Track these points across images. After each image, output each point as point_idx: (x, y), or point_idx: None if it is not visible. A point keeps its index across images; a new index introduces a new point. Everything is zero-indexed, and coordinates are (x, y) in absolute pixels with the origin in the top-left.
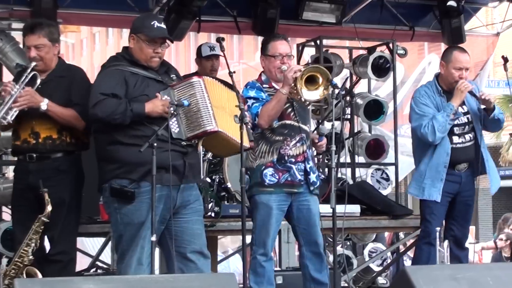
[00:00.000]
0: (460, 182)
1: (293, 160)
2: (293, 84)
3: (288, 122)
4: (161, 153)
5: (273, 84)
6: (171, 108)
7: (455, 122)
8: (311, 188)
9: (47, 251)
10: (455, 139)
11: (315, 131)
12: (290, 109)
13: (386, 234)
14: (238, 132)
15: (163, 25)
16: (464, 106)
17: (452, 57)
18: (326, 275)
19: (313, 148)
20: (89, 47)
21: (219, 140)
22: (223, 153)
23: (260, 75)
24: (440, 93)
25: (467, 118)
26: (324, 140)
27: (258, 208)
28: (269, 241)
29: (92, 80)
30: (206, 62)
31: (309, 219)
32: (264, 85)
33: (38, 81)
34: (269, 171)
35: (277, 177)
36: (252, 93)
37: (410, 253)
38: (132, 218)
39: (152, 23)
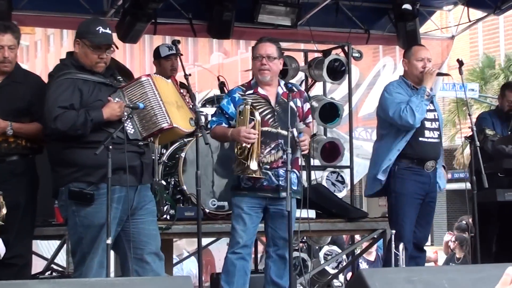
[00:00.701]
0: (429, 182)
1: (268, 166)
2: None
3: (265, 129)
4: (119, 154)
5: (258, 89)
6: (126, 111)
7: (426, 116)
8: (287, 192)
9: (1, 256)
10: (427, 133)
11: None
12: (269, 116)
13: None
14: (187, 121)
15: (108, 31)
16: (431, 104)
17: (412, 51)
18: (286, 281)
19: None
20: (44, 49)
21: (171, 134)
22: (168, 141)
23: (252, 78)
24: (410, 87)
25: (434, 115)
26: (305, 136)
27: (232, 210)
28: (240, 240)
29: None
30: (166, 62)
31: (282, 222)
32: (248, 91)
33: None
34: (245, 176)
35: (253, 181)
36: (224, 101)
37: (366, 256)
38: (93, 220)
39: (97, 29)
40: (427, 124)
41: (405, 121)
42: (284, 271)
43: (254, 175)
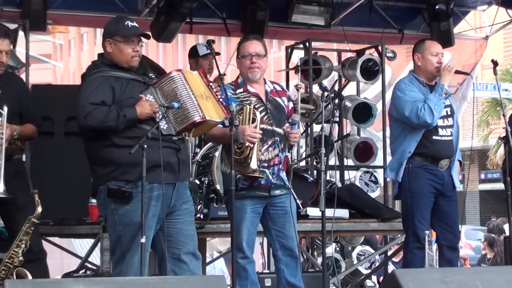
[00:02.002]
0: (444, 181)
1: (266, 164)
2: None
3: (261, 126)
4: (155, 151)
5: (248, 87)
6: (161, 110)
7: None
8: (284, 190)
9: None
10: (440, 131)
11: (287, 122)
12: (264, 113)
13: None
14: (220, 112)
15: (135, 24)
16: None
17: (426, 45)
18: (301, 279)
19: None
20: (77, 47)
21: (205, 126)
22: (202, 133)
23: (238, 77)
24: (422, 84)
25: (447, 111)
26: (298, 129)
27: (232, 212)
28: (245, 244)
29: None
30: (204, 61)
31: (284, 220)
32: (238, 90)
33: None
34: (242, 176)
35: (250, 181)
36: None
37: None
38: (131, 218)
39: (125, 23)
40: (440, 122)
41: (423, 121)
42: (297, 270)
43: (254, 174)
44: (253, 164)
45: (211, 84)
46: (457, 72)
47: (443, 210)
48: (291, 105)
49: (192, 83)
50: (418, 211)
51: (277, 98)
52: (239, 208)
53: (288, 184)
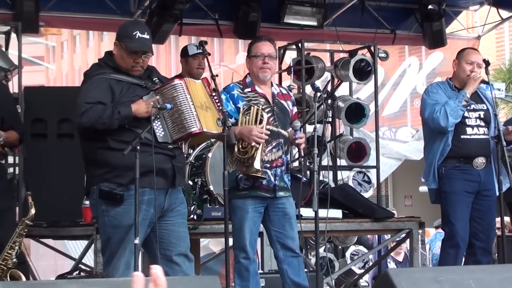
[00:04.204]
0: (480, 180)
1: (269, 165)
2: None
3: (268, 127)
4: (149, 156)
5: (256, 88)
6: (154, 111)
7: (466, 115)
8: (286, 192)
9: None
10: (469, 130)
11: (290, 127)
12: (270, 114)
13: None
14: (215, 123)
15: (146, 36)
16: (485, 103)
17: (465, 53)
18: (305, 278)
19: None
20: (70, 49)
21: (201, 137)
22: (197, 143)
23: (246, 76)
24: (452, 88)
25: (479, 114)
26: (302, 134)
27: (235, 212)
28: (248, 244)
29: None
30: (193, 61)
31: (284, 222)
32: (246, 89)
33: None
34: (244, 176)
35: (252, 181)
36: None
37: (394, 255)
38: (121, 220)
39: (134, 33)
40: (470, 122)
41: (437, 123)
42: (299, 269)
43: (256, 174)
44: (257, 164)
45: (213, 94)
46: (482, 81)
47: (478, 209)
48: (295, 109)
49: (193, 93)
50: (452, 210)
51: (283, 102)
52: (241, 208)
53: (288, 184)
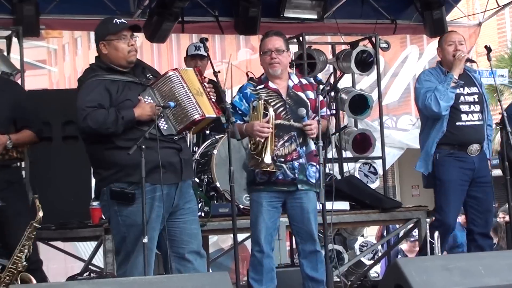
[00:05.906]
0: (475, 167)
1: (283, 159)
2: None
3: (277, 121)
4: (156, 152)
5: (269, 84)
6: (158, 111)
7: (462, 100)
8: (305, 185)
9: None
10: (464, 116)
11: None
12: (281, 109)
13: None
14: (213, 108)
15: (123, 20)
16: (477, 86)
17: (444, 36)
18: (323, 273)
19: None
20: (72, 52)
21: (203, 123)
22: (200, 130)
23: (262, 74)
24: (444, 73)
25: (474, 98)
26: (310, 121)
27: (252, 206)
28: (262, 238)
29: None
30: (190, 61)
31: (302, 217)
32: (259, 86)
33: None
34: (260, 170)
35: (268, 175)
36: (236, 98)
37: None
38: (135, 219)
39: (113, 22)
40: (464, 108)
41: (430, 110)
42: (317, 264)
43: (268, 169)
44: (267, 159)
45: (205, 84)
46: (468, 60)
47: (475, 197)
48: (320, 98)
49: (188, 81)
50: (445, 198)
51: (299, 93)
52: (256, 202)
53: (312, 180)
